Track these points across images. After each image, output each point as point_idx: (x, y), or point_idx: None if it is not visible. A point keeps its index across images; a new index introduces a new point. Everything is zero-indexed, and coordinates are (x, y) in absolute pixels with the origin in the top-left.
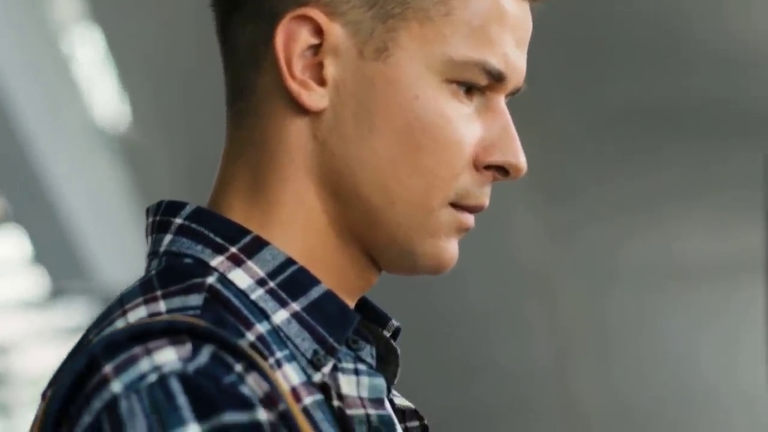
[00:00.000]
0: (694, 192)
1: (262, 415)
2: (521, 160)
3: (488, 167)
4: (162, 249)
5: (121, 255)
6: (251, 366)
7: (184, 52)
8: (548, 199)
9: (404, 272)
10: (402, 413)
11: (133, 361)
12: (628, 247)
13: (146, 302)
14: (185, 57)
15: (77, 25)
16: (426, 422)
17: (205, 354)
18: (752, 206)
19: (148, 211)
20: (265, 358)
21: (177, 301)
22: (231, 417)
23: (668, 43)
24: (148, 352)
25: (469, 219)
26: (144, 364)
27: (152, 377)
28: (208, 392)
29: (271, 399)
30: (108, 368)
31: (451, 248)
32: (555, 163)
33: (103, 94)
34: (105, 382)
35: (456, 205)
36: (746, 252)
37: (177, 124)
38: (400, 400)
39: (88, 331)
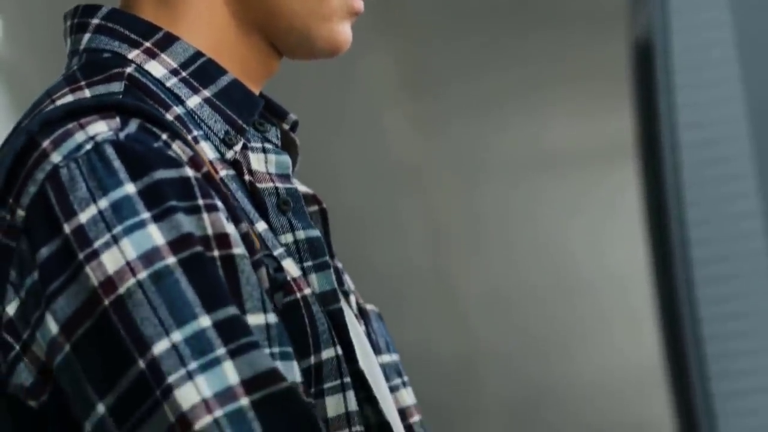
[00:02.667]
0: (561, 80)
1: (190, 171)
2: None
3: None
4: (82, 47)
5: None
6: (175, 135)
7: None
8: (415, 94)
9: (303, 57)
10: (303, 198)
11: (69, 134)
12: (498, 137)
13: (72, 91)
14: None
15: None
16: (324, 206)
17: (132, 125)
18: (619, 92)
19: (65, 16)
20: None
21: (101, 88)
22: (162, 174)
23: None
24: (82, 126)
25: (359, 3)
26: (79, 136)
27: (88, 146)
28: (140, 154)
29: (196, 162)
30: (46, 143)
31: (344, 31)
32: (420, 57)
33: None
34: (45, 155)
35: None
36: (615, 137)
37: (47, 42)
38: (300, 186)
39: (19, 122)
